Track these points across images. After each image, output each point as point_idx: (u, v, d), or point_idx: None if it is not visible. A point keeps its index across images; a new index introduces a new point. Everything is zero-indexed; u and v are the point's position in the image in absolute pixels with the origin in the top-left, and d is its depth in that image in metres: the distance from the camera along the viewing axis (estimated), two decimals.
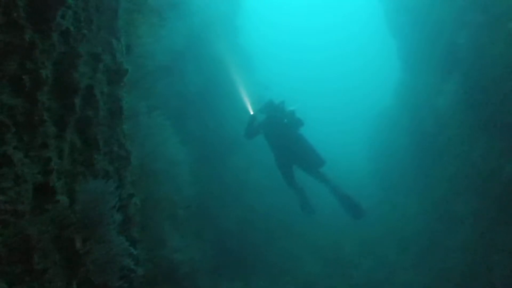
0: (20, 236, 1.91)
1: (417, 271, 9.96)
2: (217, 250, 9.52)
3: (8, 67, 2.07)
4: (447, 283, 8.76)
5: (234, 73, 12.60)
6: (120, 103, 3.74)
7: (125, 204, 3.90)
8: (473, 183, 8.57)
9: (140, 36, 6.75)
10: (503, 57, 7.56)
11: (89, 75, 3.04)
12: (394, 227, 12.53)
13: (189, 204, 8.11)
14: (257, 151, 11.90)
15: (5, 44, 2.05)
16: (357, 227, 13.02)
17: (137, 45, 5.57)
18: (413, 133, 12.08)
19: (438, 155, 10.31)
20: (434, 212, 10.33)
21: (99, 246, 2.23)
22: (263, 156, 11.93)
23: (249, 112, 8.05)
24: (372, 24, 19.60)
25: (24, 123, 2.16)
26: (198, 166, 9.57)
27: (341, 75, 32.74)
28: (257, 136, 8.00)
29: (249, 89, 13.57)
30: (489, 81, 7.96)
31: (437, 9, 10.30)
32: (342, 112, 27.83)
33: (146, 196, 6.33)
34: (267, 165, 12.22)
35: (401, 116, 13.32)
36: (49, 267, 1.99)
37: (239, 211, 10.92)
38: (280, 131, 7.64)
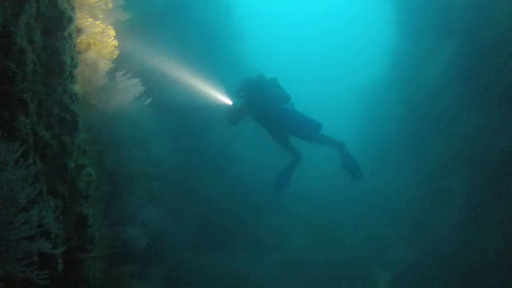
0: None
1: (408, 245, 9.72)
2: (199, 224, 9.14)
3: None
4: (438, 258, 8.49)
5: (222, 40, 11.89)
6: (61, 58, 3.18)
7: (71, 177, 3.39)
8: (467, 156, 8.15)
9: None
10: (506, 18, 6.97)
11: (7, 19, 2.46)
12: (385, 200, 12.24)
13: (164, 175, 7.62)
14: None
15: None
16: (347, 200, 12.74)
17: None
18: (406, 103, 11.57)
19: (432, 126, 9.84)
20: (427, 186, 9.97)
21: None
22: (249, 127, 11.43)
23: (227, 103, 7.33)
24: None
25: None
26: (179, 135, 9.06)
27: (334, 44, 31.75)
28: (244, 118, 7.35)
29: (237, 60, 12.89)
30: (489, 45, 7.40)
31: None
32: (333, 82, 27.13)
33: (115, 167, 5.84)
34: (253, 137, 11.71)
35: (394, 85, 12.77)
36: None
37: (223, 184, 10.49)
38: (267, 108, 6.97)
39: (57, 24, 3.18)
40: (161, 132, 7.84)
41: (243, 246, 9.87)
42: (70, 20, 3.30)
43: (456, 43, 8.59)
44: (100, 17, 4.55)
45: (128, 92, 5.16)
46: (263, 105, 6.93)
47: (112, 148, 5.52)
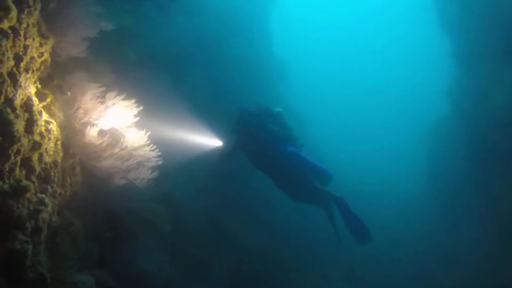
0: None
1: None
2: (227, 278, 8.06)
3: None
4: None
5: (257, 82, 11.32)
6: None
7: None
8: None
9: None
10: None
11: None
12: (454, 256, 10.47)
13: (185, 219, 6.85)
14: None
15: None
16: (405, 259, 11.09)
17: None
18: (472, 142, 10.00)
19: (502, 165, 8.27)
20: (501, 237, 8.26)
21: None
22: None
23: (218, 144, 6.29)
24: (423, 23, 17.59)
25: None
26: (210, 175, 8.20)
27: (391, 85, 29.96)
28: (235, 155, 6.16)
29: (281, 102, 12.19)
30: None
31: None
32: (393, 125, 25.31)
33: (113, 203, 5.23)
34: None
35: (459, 124, 11.17)
36: None
37: (259, 234, 9.29)
38: (263, 147, 5.80)
39: None
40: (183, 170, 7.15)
41: None
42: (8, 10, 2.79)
43: None
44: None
45: (121, 114, 4.58)
46: (258, 142, 5.81)
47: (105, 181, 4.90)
